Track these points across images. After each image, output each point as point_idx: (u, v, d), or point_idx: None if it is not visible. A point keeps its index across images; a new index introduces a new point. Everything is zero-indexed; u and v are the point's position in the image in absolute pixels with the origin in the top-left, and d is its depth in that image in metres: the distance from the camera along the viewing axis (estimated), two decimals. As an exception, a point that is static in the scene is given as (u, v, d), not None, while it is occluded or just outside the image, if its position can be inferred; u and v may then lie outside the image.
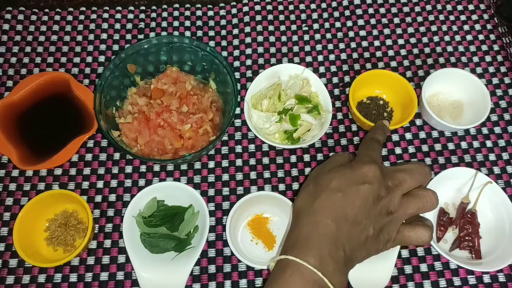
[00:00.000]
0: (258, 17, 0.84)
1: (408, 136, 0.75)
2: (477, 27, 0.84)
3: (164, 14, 0.85)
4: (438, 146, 0.74)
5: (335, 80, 0.79)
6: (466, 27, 0.84)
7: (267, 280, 0.49)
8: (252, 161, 0.73)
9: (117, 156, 0.73)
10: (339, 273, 0.46)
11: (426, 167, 0.53)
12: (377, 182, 0.49)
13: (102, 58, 0.81)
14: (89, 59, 0.81)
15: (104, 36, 0.83)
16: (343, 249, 0.47)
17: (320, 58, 0.81)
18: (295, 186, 0.71)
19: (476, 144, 0.74)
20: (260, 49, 0.82)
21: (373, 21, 0.85)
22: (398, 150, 0.74)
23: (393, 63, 0.81)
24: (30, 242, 0.64)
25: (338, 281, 0.46)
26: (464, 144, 0.74)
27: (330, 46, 0.82)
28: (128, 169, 0.72)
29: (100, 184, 0.71)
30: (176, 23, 0.84)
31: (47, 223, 0.67)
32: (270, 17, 0.85)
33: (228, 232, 0.64)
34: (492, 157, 0.73)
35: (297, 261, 0.45)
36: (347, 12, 0.85)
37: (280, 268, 0.47)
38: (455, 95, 0.77)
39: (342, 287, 0.47)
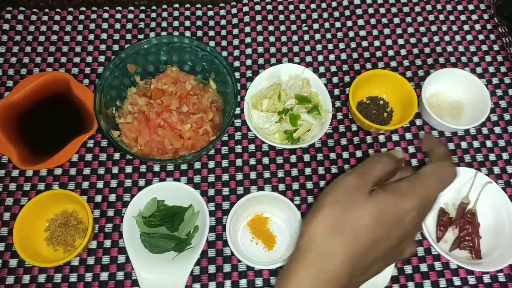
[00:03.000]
0: (258, 17, 0.84)
1: (408, 136, 0.75)
2: (477, 27, 0.84)
3: (164, 14, 0.85)
4: (438, 146, 0.74)
5: (335, 80, 0.79)
6: (466, 27, 0.84)
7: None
8: (252, 161, 0.73)
9: (117, 156, 0.73)
10: None
11: (448, 167, 0.42)
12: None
13: (102, 58, 0.81)
14: (89, 59, 0.81)
15: (104, 36, 0.83)
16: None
17: (320, 58, 0.81)
18: (295, 186, 0.71)
19: (476, 144, 0.74)
20: (260, 49, 0.82)
21: (373, 21, 0.85)
22: (398, 150, 0.74)
23: (393, 63, 0.81)
24: (30, 242, 0.64)
25: None
26: (464, 144, 0.74)
27: (330, 46, 0.82)
28: (128, 169, 0.72)
29: (100, 184, 0.71)
30: (176, 23, 0.84)
31: (47, 223, 0.67)
32: (270, 17, 0.85)
33: (228, 232, 0.64)
34: (492, 157, 0.73)
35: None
36: (347, 12, 0.85)
37: None
38: (455, 95, 0.77)
39: None
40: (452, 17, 0.85)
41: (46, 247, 0.66)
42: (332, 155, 0.73)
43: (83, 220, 0.68)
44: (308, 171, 0.72)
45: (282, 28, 0.84)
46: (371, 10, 0.86)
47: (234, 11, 0.85)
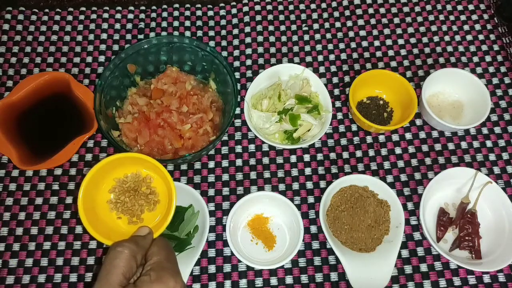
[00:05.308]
0: (258, 17, 0.84)
1: (408, 136, 0.75)
2: (477, 27, 0.84)
3: (164, 14, 0.85)
4: (438, 146, 0.74)
5: (335, 80, 0.79)
6: (466, 27, 0.84)
7: None
8: (252, 161, 0.73)
9: (117, 156, 0.73)
10: None
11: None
12: None
13: (102, 58, 0.81)
14: (89, 59, 0.81)
15: (104, 36, 0.83)
16: None
17: (320, 58, 0.81)
18: (295, 186, 0.71)
19: (476, 144, 0.74)
20: (260, 49, 0.82)
21: (373, 21, 0.85)
22: (398, 150, 0.74)
23: (393, 63, 0.81)
24: (92, 202, 0.54)
25: None
26: (464, 144, 0.74)
27: (330, 46, 0.82)
28: (128, 169, 0.72)
29: (100, 184, 0.71)
30: (176, 23, 0.84)
31: (114, 183, 0.56)
32: (270, 17, 0.85)
33: (228, 232, 0.64)
34: (492, 157, 0.73)
35: None
36: (347, 12, 0.85)
37: None
38: (455, 95, 0.77)
39: None
40: (452, 17, 0.85)
41: (108, 212, 0.56)
42: (332, 155, 0.73)
43: (157, 191, 0.58)
44: (308, 171, 0.72)
45: (282, 28, 0.84)
46: (371, 10, 0.86)
47: (234, 11, 0.85)
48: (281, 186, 0.71)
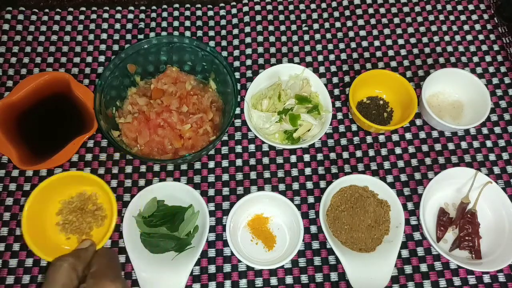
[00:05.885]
0: (258, 17, 0.84)
1: (408, 136, 0.75)
2: (477, 27, 0.84)
3: (164, 14, 0.85)
4: (438, 146, 0.74)
5: (335, 80, 0.79)
6: (466, 27, 0.84)
7: None
8: (252, 161, 0.73)
9: (117, 156, 0.73)
10: None
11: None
12: None
13: (102, 58, 0.81)
14: (89, 59, 0.81)
15: (104, 36, 0.83)
16: None
17: (320, 58, 0.81)
18: (295, 186, 0.71)
19: (476, 144, 0.74)
20: (260, 49, 0.82)
21: (373, 21, 0.85)
22: (398, 150, 0.74)
23: (393, 63, 0.81)
24: (40, 227, 0.56)
25: None
26: (464, 144, 0.74)
27: (330, 46, 0.82)
28: (128, 169, 0.72)
29: (100, 184, 0.71)
30: (176, 23, 0.84)
31: (60, 206, 0.59)
32: (270, 17, 0.85)
33: (228, 232, 0.64)
34: (492, 157, 0.73)
35: None
36: (347, 12, 0.85)
37: None
38: (455, 95, 0.77)
39: None
40: (452, 17, 0.85)
41: (57, 234, 0.59)
42: (332, 155, 0.73)
43: (103, 207, 0.61)
44: (308, 171, 0.72)
45: (282, 28, 0.84)
46: (371, 10, 0.86)
47: (234, 11, 0.85)
48: (281, 186, 0.71)
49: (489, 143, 0.74)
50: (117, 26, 0.84)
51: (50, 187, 0.56)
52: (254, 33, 0.83)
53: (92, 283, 0.45)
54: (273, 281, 0.65)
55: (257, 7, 0.85)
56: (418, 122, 0.76)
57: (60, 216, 0.59)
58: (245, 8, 0.85)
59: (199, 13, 0.85)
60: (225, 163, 0.72)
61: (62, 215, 0.59)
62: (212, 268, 0.65)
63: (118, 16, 0.85)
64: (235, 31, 0.83)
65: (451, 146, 0.74)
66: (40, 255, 0.53)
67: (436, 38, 0.83)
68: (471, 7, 0.86)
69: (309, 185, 0.71)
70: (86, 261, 0.49)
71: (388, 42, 0.83)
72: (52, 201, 0.58)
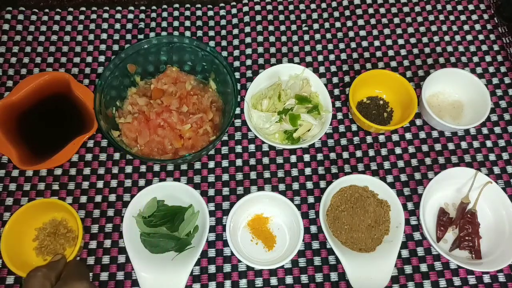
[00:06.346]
0: (258, 17, 0.84)
1: (408, 136, 0.75)
2: (477, 27, 0.84)
3: (164, 14, 0.85)
4: (438, 146, 0.74)
5: (335, 80, 0.79)
6: (466, 27, 0.84)
7: None
8: (252, 161, 0.73)
9: (117, 156, 0.73)
10: None
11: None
12: None
13: (102, 58, 0.81)
14: (89, 59, 0.81)
15: (104, 36, 0.83)
16: None
17: (320, 58, 0.81)
18: (295, 186, 0.71)
19: (476, 144, 0.74)
20: (260, 49, 0.82)
21: (373, 21, 0.85)
22: (398, 150, 0.74)
23: (393, 63, 0.81)
24: (19, 252, 0.63)
25: None
26: (464, 144, 0.74)
27: (330, 46, 0.82)
28: (128, 169, 0.72)
29: (100, 184, 0.71)
30: (176, 23, 0.84)
31: (36, 233, 0.66)
32: (270, 17, 0.85)
33: (228, 232, 0.64)
34: (492, 157, 0.73)
35: None
36: (347, 12, 0.85)
37: None
38: (455, 95, 0.77)
39: None
40: (452, 17, 0.85)
41: (35, 257, 0.65)
42: (332, 155, 0.73)
43: (73, 228, 0.67)
44: (308, 171, 0.72)
45: (282, 28, 0.84)
46: (371, 10, 0.86)
47: (234, 11, 0.85)
48: (281, 186, 0.71)
49: (489, 143, 0.74)
50: (117, 26, 0.84)
51: (24, 216, 0.64)
52: (254, 33, 0.83)
53: (62, 283, 0.52)
54: (273, 281, 0.65)
55: (257, 7, 0.85)
56: (418, 122, 0.76)
57: (36, 242, 0.66)
58: (245, 8, 0.85)
59: (199, 13, 0.85)
60: (225, 163, 0.72)
61: (39, 240, 0.66)
62: (212, 268, 0.65)
63: (118, 16, 0.85)
64: (235, 31, 0.83)
65: (451, 146, 0.74)
66: (20, 274, 0.60)
67: (436, 38, 0.83)
68: (471, 7, 0.86)
69: (309, 185, 0.71)
70: (58, 271, 0.55)
71: (388, 42, 0.83)
72: (29, 229, 0.66)
